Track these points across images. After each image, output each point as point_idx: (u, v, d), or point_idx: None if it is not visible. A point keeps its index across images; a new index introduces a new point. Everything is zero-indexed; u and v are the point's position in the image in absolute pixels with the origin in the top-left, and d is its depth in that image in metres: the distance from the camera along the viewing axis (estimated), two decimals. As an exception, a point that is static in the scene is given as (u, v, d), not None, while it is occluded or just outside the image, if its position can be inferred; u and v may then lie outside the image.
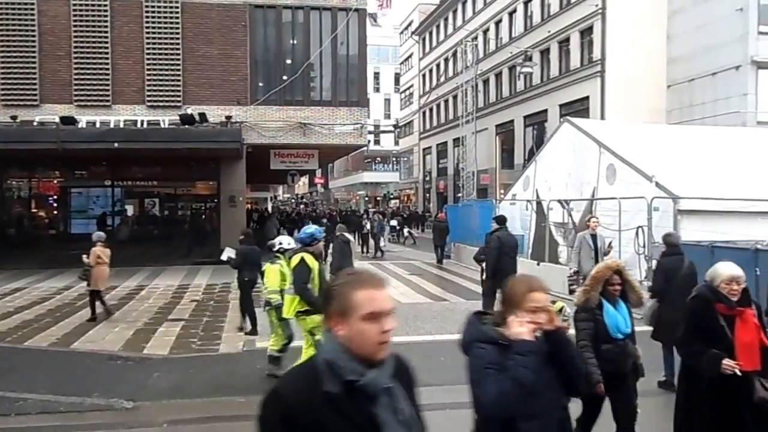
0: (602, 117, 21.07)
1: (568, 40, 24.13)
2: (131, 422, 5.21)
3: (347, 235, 10.00)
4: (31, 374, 6.51)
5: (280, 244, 6.67)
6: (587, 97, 22.62)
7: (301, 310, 5.62)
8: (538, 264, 12.70)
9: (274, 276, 6.31)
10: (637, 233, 9.75)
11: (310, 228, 6.14)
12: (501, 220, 9.16)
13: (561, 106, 24.22)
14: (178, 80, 16.55)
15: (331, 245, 10.03)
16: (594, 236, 9.06)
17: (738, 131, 15.43)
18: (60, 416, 5.29)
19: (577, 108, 22.83)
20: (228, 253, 8.44)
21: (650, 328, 5.75)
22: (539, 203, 13.99)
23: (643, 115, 19.02)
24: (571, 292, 9.08)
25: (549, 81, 25.36)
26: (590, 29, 22.68)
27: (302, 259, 5.61)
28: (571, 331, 3.52)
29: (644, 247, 9.60)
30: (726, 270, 3.52)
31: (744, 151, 12.42)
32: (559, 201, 12.82)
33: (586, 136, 12.62)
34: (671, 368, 5.59)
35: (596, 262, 8.35)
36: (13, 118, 15.33)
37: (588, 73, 22.62)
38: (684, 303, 4.89)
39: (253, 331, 8.20)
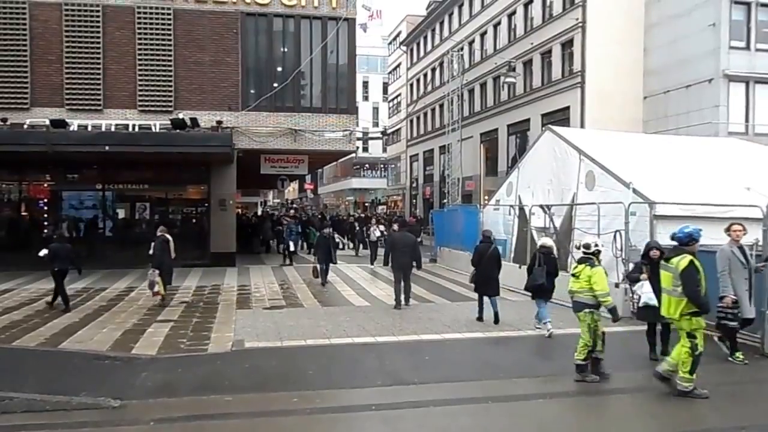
0: (582, 126, 21.67)
1: (550, 52, 24.83)
2: (118, 420, 5.19)
3: (167, 235, 11.27)
4: (18, 373, 6.48)
5: (596, 245, 6.44)
6: (568, 107, 23.27)
7: (688, 312, 5.62)
8: (519, 267, 13.07)
9: (602, 279, 6.18)
10: (614, 237, 10.10)
11: (688, 228, 5.84)
12: (402, 223, 11.13)
13: (543, 115, 24.85)
14: (170, 85, 16.71)
15: (152, 243, 11.17)
16: (742, 248, 7.25)
17: (710, 141, 16.06)
18: (46, 415, 5.27)
19: (559, 117, 23.44)
20: (44, 251, 10.48)
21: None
22: (522, 209, 14.38)
23: (621, 125, 19.67)
24: (722, 327, 7.26)
25: (531, 91, 26.01)
26: (571, 42, 23.40)
27: (692, 262, 5.55)
28: None
29: (621, 250, 9.96)
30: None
31: (716, 159, 12.97)
32: (541, 206, 13.21)
33: (566, 144, 13.02)
34: (481, 309, 9.35)
35: (750, 282, 7.20)
36: (3, 120, 15.33)
37: (569, 84, 23.29)
38: (488, 271, 9.29)
39: (66, 309, 10.19)
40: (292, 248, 17.70)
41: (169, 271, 11.02)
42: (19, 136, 14.84)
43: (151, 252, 11.02)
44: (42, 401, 5.52)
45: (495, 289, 9.31)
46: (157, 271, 10.74)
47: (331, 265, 14.09)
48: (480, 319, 9.28)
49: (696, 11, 20.19)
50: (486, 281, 9.28)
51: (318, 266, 13.85)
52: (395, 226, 16.10)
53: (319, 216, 31.13)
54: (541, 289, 8.47)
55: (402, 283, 10.65)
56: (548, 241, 8.96)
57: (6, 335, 8.39)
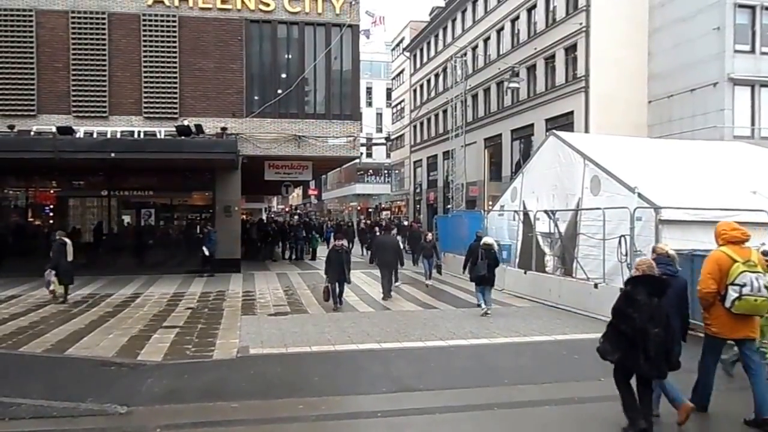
0: (586, 131, 21.61)
1: (553, 56, 24.84)
2: (125, 427, 5.21)
3: (65, 239, 11.98)
4: (25, 379, 6.54)
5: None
6: (572, 112, 23.22)
7: None
8: (525, 273, 13.08)
9: None
10: (620, 242, 10.06)
11: None
12: (385, 227, 13.56)
13: (547, 120, 24.82)
14: (175, 92, 16.81)
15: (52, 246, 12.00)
16: None
17: (715, 145, 15.97)
18: (53, 421, 5.30)
19: (563, 122, 23.40)
20: None
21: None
22: (526, 214, 14.35)
23: (626, 130, 19.64)
24: None
25: (535, 96, 26.00)
26: (574, 47, 23.40)
27: None
28: None
29: (626, 255, 9.90)
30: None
31: (721, 164, 12.92)
32: (546, 212, 13.20)
33: (571, 149, 13.00)
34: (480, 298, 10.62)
35: None
36: (11, 127, 15.48)
37: (572, 88, 23.28)
38: (476, 264, 10.67)
39: None
40: (207, 253, 16.16)
41: (66, 272, 11.85)
42: (26, 143, 14.96)
43: (51, 254, 11.83)
44: (49, 407, 5.53)
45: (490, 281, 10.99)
46: (53, 272, 11.74)
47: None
48: (479, 305, 10.65)
49: (700, 15, 20.18)
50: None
51: (329, 286, 11.06)
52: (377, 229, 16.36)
53: (332, 223, 30.84)
54: (484, 279, 10.37)
55: (387, 279, 12.52)
56: (489, 239, 11.08)
57: (13, 341, 8.43)
